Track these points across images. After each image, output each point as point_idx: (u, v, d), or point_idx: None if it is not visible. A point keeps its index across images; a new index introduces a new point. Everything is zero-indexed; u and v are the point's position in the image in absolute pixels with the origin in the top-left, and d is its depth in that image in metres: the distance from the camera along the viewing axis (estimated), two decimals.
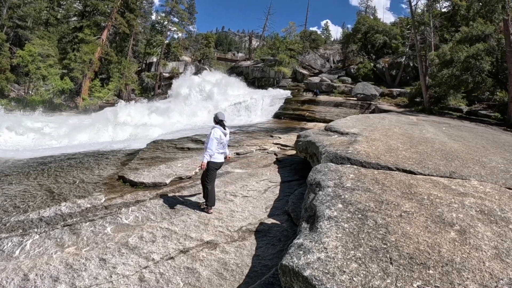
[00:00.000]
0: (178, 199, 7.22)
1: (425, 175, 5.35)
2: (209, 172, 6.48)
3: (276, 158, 11.51)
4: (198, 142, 13.51)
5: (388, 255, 2.85)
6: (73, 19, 46.60)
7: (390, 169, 5.59)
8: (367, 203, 3.96)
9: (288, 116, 28.77)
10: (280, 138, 16.34)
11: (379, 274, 2.62)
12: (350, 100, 29.85)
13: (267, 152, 12.57)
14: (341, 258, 2.83)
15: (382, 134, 8.72)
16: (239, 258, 4.82)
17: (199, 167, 6.62)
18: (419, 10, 32.71)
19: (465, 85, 20.34)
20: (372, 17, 52.09)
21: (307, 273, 2.69)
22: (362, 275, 2.61)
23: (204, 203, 6.65)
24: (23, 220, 6.02)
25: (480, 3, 27.28)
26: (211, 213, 6.46)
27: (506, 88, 19.30)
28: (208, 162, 6.36)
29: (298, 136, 10.69)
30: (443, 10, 38.09)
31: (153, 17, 56.83)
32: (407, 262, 2.76)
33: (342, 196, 4.21)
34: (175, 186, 8.20)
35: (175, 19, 53.30)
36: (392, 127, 10.36)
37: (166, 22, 51.66)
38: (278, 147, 13.71)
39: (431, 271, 2.64)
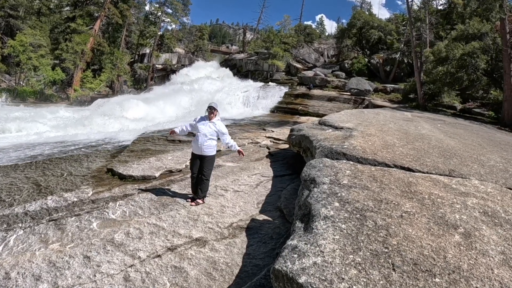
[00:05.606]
0: (168, 193, 6.98)
1: (424, 172, 5.16)
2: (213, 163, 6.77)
3: (269, 152, 11.32)
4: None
5: (390, 261, 2.64)
6: (65, 9, 45.83)
7: (387, 165, 5.40)
8: (365, 202, 3.76)
9: (281, 109, 28.56)
10: (273, 131, 16.13)
11: (381, 282, 2.40)
12: (343, 95, 29.68)
13: (260, 146, 12.37)
14: (339, 263, 2.61)
15: (377, 130, 8.54)
16: (229, 256, 4.60)
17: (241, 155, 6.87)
18: (415, 7, 32.62)
19: (460, 82, 20.27)
20: (367, 13, 51.83)
21: (302, 279, 2.46)
22: (362, 283, 2.39)
23: (198, 197, 6.51)
24: (8, 215, 5.74)
25: (477, 1, 27.23)
26: (204, 202, 6.50)
27: (501, 87, 19.26)
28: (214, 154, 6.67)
29: (292, 130, 10.50)
30: (439, 7, 38.09)
31: (147, 7, 55.82)
32: (411, 269, 2.55)
33: (339, 194, 4.00)
34: (165, 179, 7.96)
35: (169, 10, 52.75)
36: (387, 123, 10.19)
37: (160, 13, 50.95)
38: (270, 141, 13.51)
39: (437, 279, 2.44)
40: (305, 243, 2.95)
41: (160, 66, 48.95)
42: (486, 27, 20.49)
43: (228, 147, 6.80)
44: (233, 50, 69.26)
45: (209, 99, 24.97)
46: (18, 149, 11.66)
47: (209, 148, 6.42)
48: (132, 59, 48.92)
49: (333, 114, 12.46)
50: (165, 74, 48.41)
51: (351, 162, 5.56)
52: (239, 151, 6.69)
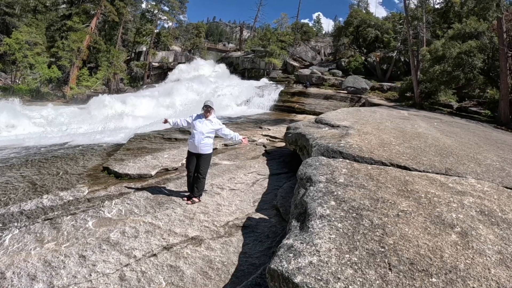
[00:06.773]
0: (163, 191, 6.94)
1: (420, 171, 5.15)
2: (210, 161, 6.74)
3: (265, 150, 11.29)
4: (186, 132, 13.19)
5: (386, 260, 2.61)
6: (61, 6, 45.57)
7: (384, 164, 5.38)
8: (361, 201, 3.73)
9: (278, 107, 28.55)
10: (269, 129, 16.11)
11: (378, 282, 2.38)
12: (340, 93, 29.73)
13: (256, 144, 12.34)
14: (335, 262, 2.58)
15: (374, 128, 8.52)
16: (225, 255, 4.57)
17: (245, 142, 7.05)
18: (412, 6, 32.65)
19: (456, 81, 20.33)
20: (364, 11, 51.90)
21: (298, 279, 2.43)
22: (358, 283, 2.36)
23: (194, 195, 6.47)
24: (3, 214, 5.70)
25: (474, 0, 27.28)
26: (200, 201, 6.47)
27: (498, 85, 19.33)
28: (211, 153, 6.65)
29: (288, 128, 10.46)
30: (436, 6, 38.18)
31: (143, 5, 55.61)
32: (407, 269, 2.53)
33: (335, 193, 3.98)
34: (161, 178, 7.92)
35: (166, 8, 52.70)
36: (384, 121, 10.18)
37: (157, 11, 50.88)
38: (267, 139, 13.48)
39: (434, 279, 2.42)
40: (301, 242, 2.92)
41: (156, 64, 48.86)
42: (483, 26, 20.54)
43: (230, 139, 6.81)
44: (230, 48, 69.16)
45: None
46: None
47: (206, 146, 6.39)
48: (129, 57, 48.82)
49: (329, 112, 12.43)
50: (161, 72, 48.33)
51: (348, 161, 5.53)
52: (243, 138, 6.73)
